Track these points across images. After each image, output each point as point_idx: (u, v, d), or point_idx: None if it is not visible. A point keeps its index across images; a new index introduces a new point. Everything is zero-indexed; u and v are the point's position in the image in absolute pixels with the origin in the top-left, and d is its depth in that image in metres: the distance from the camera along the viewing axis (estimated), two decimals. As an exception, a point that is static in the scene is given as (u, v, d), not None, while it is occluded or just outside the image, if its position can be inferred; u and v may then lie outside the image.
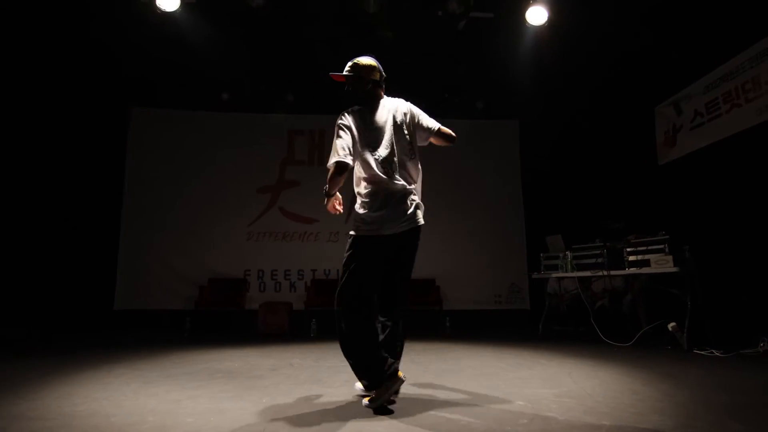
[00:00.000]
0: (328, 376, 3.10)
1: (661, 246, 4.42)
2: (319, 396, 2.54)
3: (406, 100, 2.60)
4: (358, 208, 2.37)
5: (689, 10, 4.87)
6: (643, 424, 1.95)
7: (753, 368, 3.28)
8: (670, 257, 4.28)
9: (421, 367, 3.44)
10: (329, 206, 2.38)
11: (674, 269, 4.22)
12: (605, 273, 4.86)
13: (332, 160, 2.30)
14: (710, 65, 5.27)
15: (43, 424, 1.99)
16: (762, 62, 4.62)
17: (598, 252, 4.95)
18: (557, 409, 2.21)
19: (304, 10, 5.24)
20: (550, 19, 5.10)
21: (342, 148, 2.30)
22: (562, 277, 5.58)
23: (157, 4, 4.88)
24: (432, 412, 2.19)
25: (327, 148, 7.37)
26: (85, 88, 6.37)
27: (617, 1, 4.92)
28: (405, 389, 2.48)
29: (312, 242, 7.15)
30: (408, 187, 2.39)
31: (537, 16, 5.09)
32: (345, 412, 2.22)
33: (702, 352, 3.93)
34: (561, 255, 5.32)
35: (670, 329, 4.30)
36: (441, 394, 2.58)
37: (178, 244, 6.87)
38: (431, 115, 2.61)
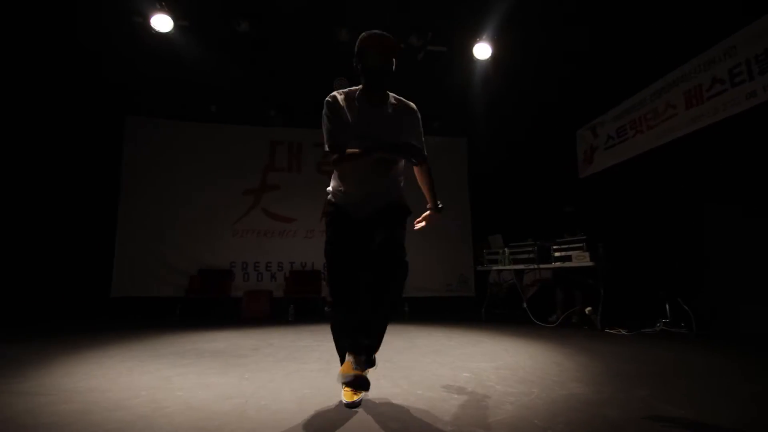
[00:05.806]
0: (303, 354, 3.08)
1: (581, 244, 4.61)
2: (295, 371, 2.52)
3: None
4: None
5: (603, 52, 5.11)
6: (564, 390, 2.04)
7: (651, 344, 3.47)
8: (587, 254, 4.48)
9: (383, 345, 3.45)
10: None
11: (590, 263, 4.42)
12: (536, 266, 5.03)
13: None
14: (620, 98, 5.55)
15: (46, 399, 1.89)
16: (659, 98, 4.92)
17: (530, 249, 5.11)
18: (495, 379, 2.28)
19: (283, 37, 5.18)
20: (493, 55, 5.22)
21: None
22: (501, 270, 5.73)
23: (151, 25, 4.68)
24: (390, 382, 2.21)
25: (304, 158, 7.37)
26: (87, 96, 6.09)
27: (544, 43, 5.11)
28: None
29: (290, 238, 7.03)
30: None
31: (483, 51, 5.18)
32: (318, 383, 2.22)
33: (612, 331, 4.14)
34: (500, 251, 5.46)
35: (586, 313, 4.50)
36: (399, 368, 2.61)
37: (170, 238, 6.61)
38: None
